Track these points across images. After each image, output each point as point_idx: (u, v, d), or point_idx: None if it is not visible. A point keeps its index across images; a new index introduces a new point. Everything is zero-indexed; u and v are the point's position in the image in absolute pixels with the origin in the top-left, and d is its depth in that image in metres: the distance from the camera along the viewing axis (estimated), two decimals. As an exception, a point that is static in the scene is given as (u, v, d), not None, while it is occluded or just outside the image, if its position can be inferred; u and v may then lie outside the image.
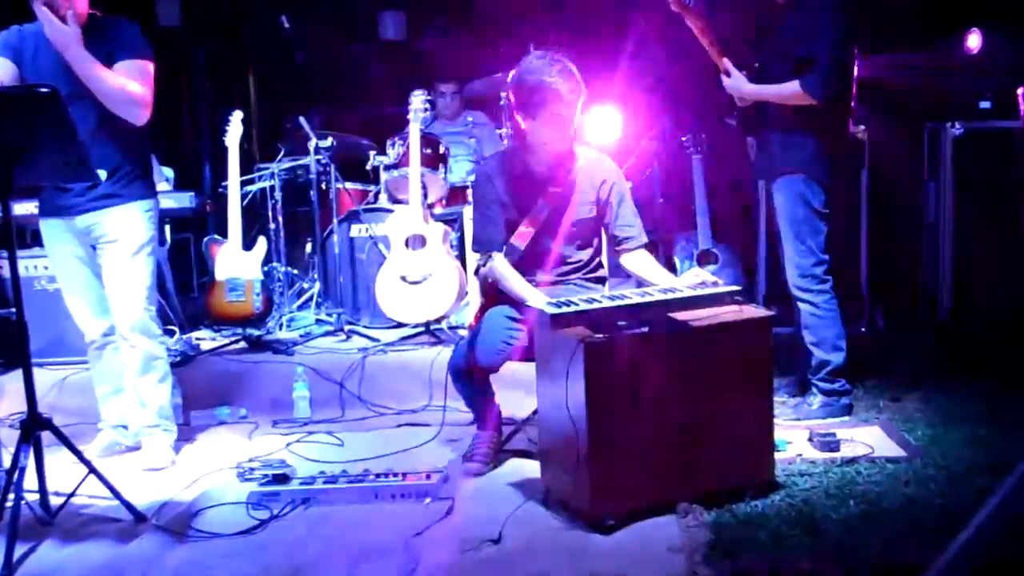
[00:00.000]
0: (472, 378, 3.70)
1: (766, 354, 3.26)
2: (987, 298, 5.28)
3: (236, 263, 5.38)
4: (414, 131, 5.43)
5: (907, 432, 3.86)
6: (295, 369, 4.67)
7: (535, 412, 3.61)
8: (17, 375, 4.24)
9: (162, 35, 6.64)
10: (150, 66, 3.78)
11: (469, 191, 5.67)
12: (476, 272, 3.85)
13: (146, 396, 3.97)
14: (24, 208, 5.02)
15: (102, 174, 3.74)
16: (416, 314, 5.22)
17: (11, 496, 3.12)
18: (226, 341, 5.35)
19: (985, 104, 5.53)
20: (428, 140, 5.71)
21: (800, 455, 3.64)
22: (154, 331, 3.96)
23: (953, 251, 5.41)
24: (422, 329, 5.27)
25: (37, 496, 3.32)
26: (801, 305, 4.13)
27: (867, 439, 3.76)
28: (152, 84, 3.78)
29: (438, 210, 5.95)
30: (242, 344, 5.29)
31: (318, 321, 5.73)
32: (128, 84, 3.68)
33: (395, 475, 3.51)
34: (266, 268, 5.59)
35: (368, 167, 6.01)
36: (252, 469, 3.71)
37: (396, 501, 3.41)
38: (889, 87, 5.34)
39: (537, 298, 3.42)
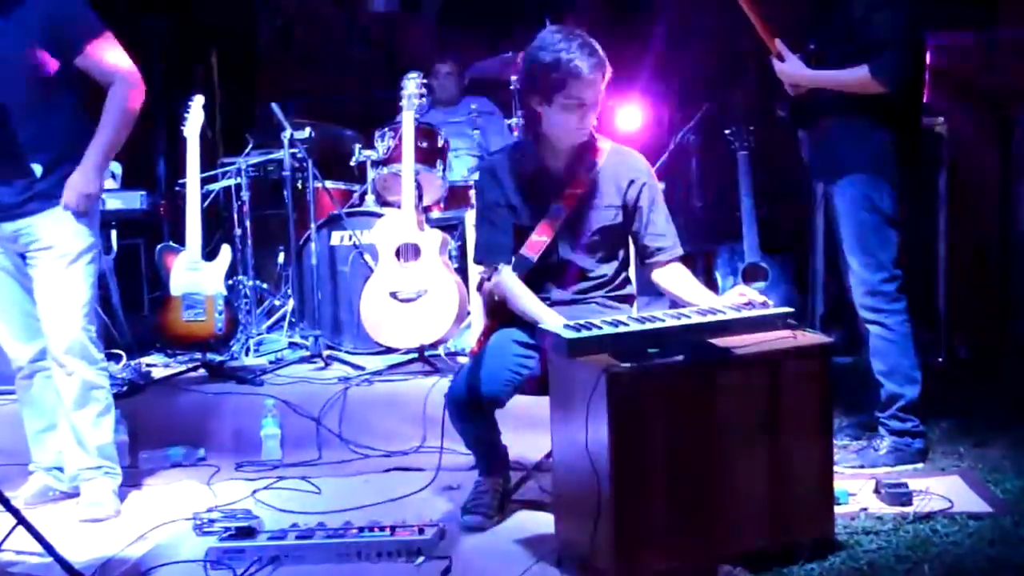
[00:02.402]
0: (474, 414, 3.69)
1: (824, 388, 3.25)
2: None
3: (195, 276, 5.39)
4: (407, 121, 5.45)
5: (993, 483, 3.84)
6: (264, 402, 4.68)
7: (549, 455, 3.60)
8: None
9: (108, 5, 6.66)
10: (112, 37, 3.88)
11: (472, 192, 5.69)
12: (479, 288, 3.85)
13: (85, 433, 3.97)
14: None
15: (36, 169, 3.76)
16: (408, 338, 5.22)
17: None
18: (182, 368, 5.36)
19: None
20: (424, 131, 5.73)
21: (865, 509, 3.63)
22: (94, 356, 3.97)
23: (1050, 265, 5.41)
24: (415, 355, 5.28)
25: (-45, 551, 3.33)
26: (870, 327, 4.12)
27: (945, 491, 3.75)
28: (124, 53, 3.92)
29: (435, 214, 5.97)
30: (201, 372, 5.30)
31: (291, 345, 5.74)
32: (121, 103, 3.86)
33: (382, 529, 3.50)
34: (230, 282, 5.59)
35: (353, 163, 6.03)
36: (211, 521, 3.71)
37: (383, 560, 3.40)
38: (972, 72, 5.34)
39: (552, 319, 3.42)
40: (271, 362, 5.48)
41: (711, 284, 5.39)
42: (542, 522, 3.60)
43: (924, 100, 4.18)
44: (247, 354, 5.62)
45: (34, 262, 3.88)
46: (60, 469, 4.11)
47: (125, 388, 4.93)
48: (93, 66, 3.85)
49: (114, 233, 5.94)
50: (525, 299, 3.61)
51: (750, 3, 4.06)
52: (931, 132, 5.23)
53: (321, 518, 3.73)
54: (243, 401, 4.86)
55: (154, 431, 4.71)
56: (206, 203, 5.77)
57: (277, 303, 6.08)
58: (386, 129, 5.85)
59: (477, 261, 3.82)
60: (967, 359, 5.39)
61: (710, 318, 3.28)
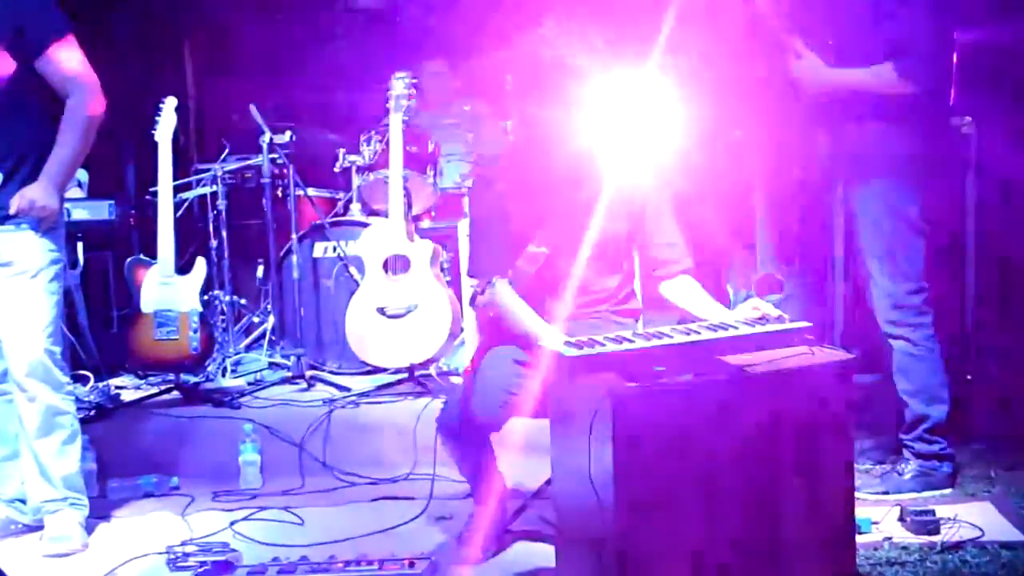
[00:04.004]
0: (468, 439, 3.69)
1: (845, 408, 3.25)
2: None
3: (167, 291, 5.40)
4: (395, 123, 5.46)
5: (1027, 510, 3.86)
6: (242, 427, 4.68)
7: (549, 483, 3.61)
8: None
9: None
10: (74, 40, 3.86)
11: (465, 200, 5.70)
12: (473, 303, 3.86)
13: (49, 462, 3.96)
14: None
15: (-3, 177, 3.78)
16: (397, 356, 5.22)
17: None
18: (154, 390, 5.36)
19: None
20: (413, 135, 5.74)
21: (889, 538, 3.64)
22: (58, 379, 3.96)
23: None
24: (405, 376, 5.28)
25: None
26: (894, 343, 4.13)
27: (975, 518, 3.75)
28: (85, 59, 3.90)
29: (426, 224, 5.98)
30: (174, 394, 5.30)
31: (271, 365, 5.74)
32: (80, 115, 3.83)
33: (369, 563, 3.49)
34: (205, 297, 5.60)
35: (337, 169, 6.04)
36: (186, 555, 3.71)
37: (370, 597, 3.40)
38: (1004, 66, 5.34)
39: (552, 336, 3.42)
40: (250, 383, 5.48)
41: (722, 297, 5.39)
42: (542, 555, 3.60)
43: (951, 99, 4.19)
44: (224, 375, 5.62)
45: (-7, 278, 3.88)
46: (23, 501, 4.10)
47: (93, 412, 4.94)
48: (52, 71, 3.82)
49: (80, 245, 5.94)
50: (522, 315, 3.61)
51: None
52: (958, 132, 5.23)
53: (304, 551, 3.72)
54: (220, 425, 4.87)
55: (124, 458, 4.71)
56: (179, 213, 5.78)
57: (256, 320, 6.08)
58: (372, 132, 5.86)
59: (471, 274, 3.82)
60: (998, 376, 5.38)
61: (721, 334, 3.29)
